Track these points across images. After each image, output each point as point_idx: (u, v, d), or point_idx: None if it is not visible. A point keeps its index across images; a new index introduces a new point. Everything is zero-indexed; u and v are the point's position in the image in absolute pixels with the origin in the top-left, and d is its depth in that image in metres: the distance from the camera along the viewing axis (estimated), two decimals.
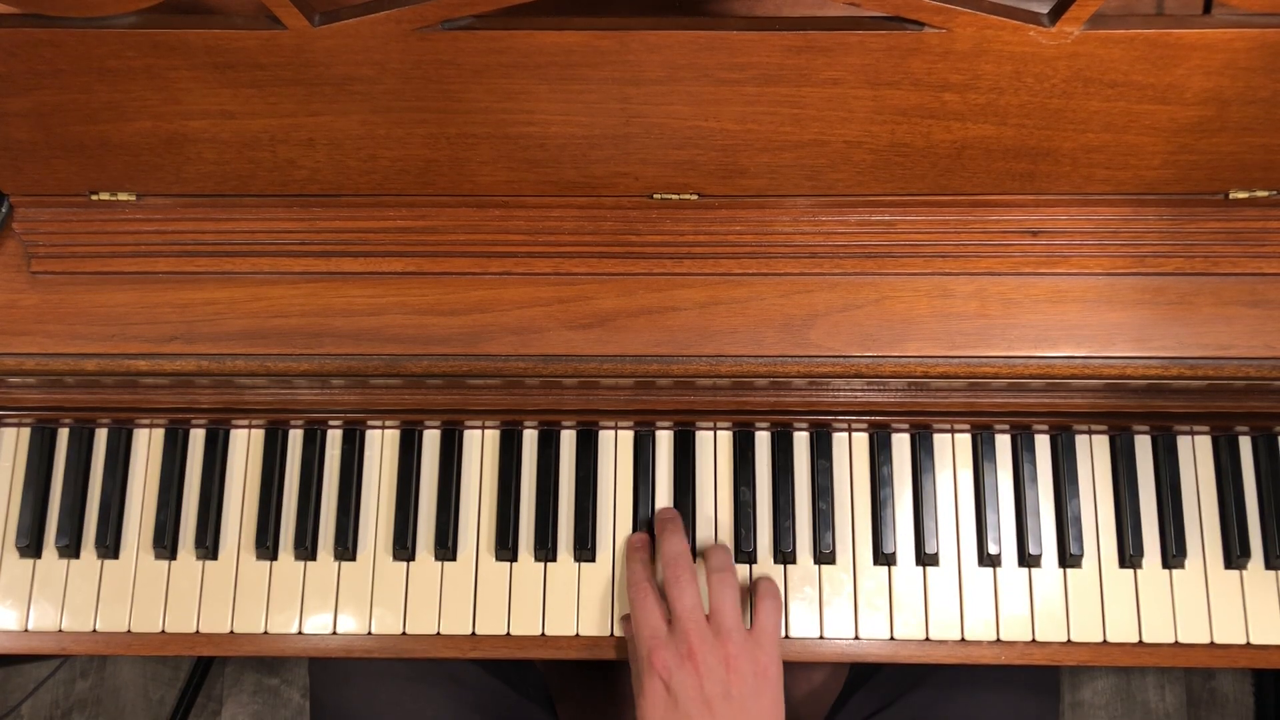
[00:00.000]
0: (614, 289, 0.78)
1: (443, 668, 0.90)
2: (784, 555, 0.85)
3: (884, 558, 0.85)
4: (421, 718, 0.89)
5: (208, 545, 0.86)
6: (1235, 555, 0.85)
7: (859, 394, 0.83)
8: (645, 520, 0.86)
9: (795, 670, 1.03)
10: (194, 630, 0.86)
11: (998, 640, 0.84)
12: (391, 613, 0.85)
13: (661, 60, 0.64)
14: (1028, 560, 0.85)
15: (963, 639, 0.84)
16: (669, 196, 0.76)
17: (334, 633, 0.85)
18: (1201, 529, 0.86)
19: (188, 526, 0.87)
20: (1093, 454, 0.87)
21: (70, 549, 0.87)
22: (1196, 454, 0.87)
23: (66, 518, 0.87)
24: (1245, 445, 0.87)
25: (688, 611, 0.77)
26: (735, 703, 0.74)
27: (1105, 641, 0.84)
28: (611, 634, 0.85)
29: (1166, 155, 0.71)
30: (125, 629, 0.86)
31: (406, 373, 0.77)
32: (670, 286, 0.78)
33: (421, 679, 0.90)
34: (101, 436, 0.89)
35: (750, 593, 0.83)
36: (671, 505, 0.87)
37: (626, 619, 0.83)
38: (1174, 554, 0.85)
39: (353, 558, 0.87)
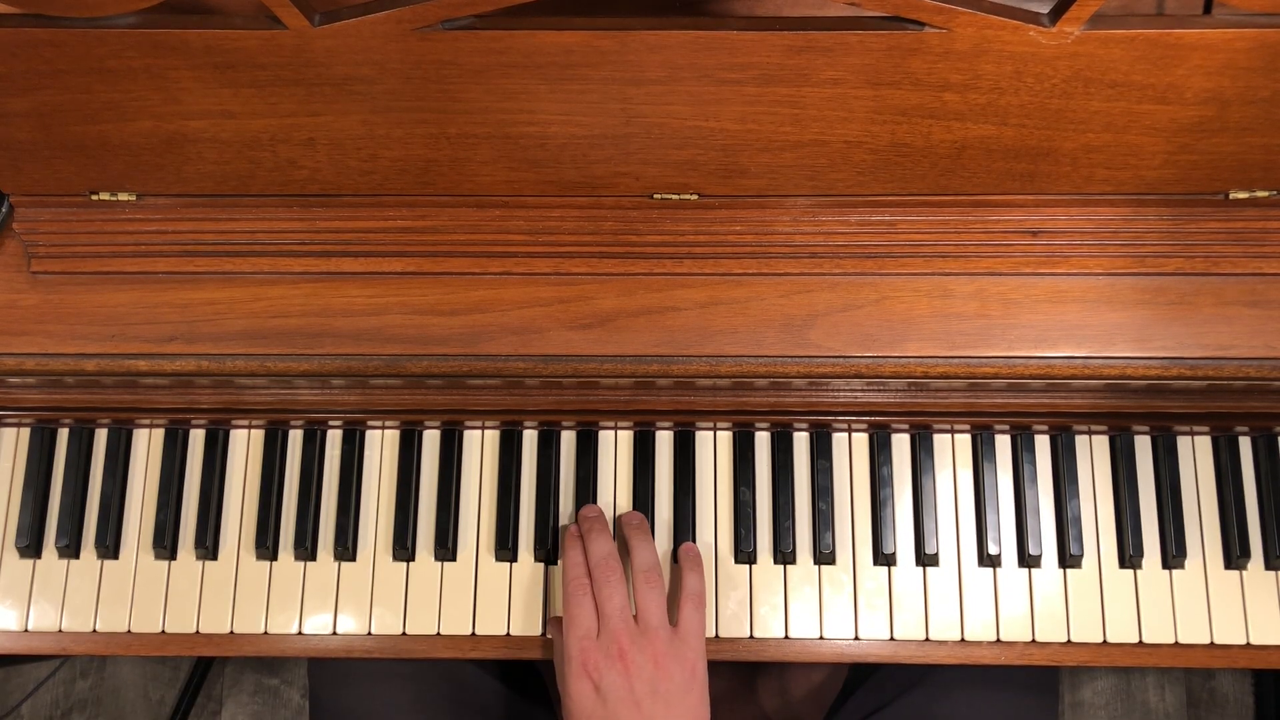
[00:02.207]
0: (614, 289, 0.78)
1: (442, 668, 0.90)
2: (784, 555, 0.85)
3: (884, 558, 0.85)
4: (421, 718, 0.89)
5: (208, 545, 0.86)
6: (1235, 555, 0.85)
7: (859, 394, 0.83)
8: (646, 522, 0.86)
9: (795, 670, 1.03)
10: (194, 630, 0.86)
11: (998, 640, 0.84)
12: (391, 613, 0.85)
13: (661, 60, 0.64)
14: (1028, 560, 0.85)
15: (963, 639, 0.84)
16: (669, 196, 0.76)
17: (334, 633, 0.85)
18: (1201, 529, 0.86)
19: (188, 526, 0.87)
20: (1093, 454, 0.87)
21: (70, 549, 0.87)
22: (1196, 454, 0.87)
23: (66, 518, 0.87)
24: (1245, 445, 0.87)
25: (617, 612, 0.77)
26: (662, 699, 0.74)
27: (1105, 642, 0.84)
28: None
29: (1167, 155, 0.71)
30: (125, 629, 0.86)
31: (406, 373, 0.77)
32: (670, 286, 0.78)
33: (421, 679, 0.90)
34: (101, 436, 0.89)
35: (676, 591, 0.83)
36: (672, 505, 0.86)
37: (555, 621, 0.82)
38: (1174, 554, 0.85)
39: (353, 558, 0.87)
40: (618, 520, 0.86)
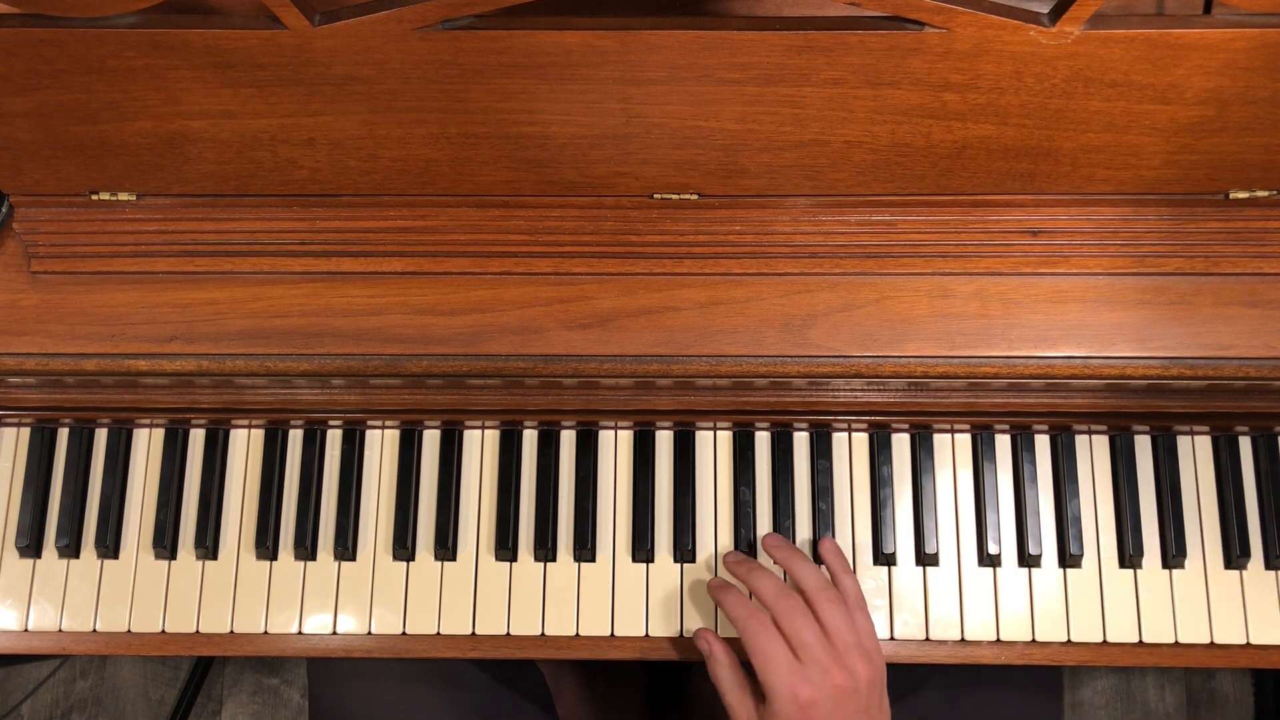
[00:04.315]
0: (614, 289, 0.78)
1: (441, 668, 0.90)
2: None
3: (884, 558, 0.85)
4: (420, 718, 0.89)
5: (208, 545, 0.86)
6: (1235, 555, 0.85)
7: (859, 394, 0.83)
8: (646, 521, 0.86)
9: None
10: (194, 630, 0.86)
11: (998, 640, 0.84)
12: (391, 613, 0.85)
13: (662, 60, 0.64)
14: (1028, 560, 0.85)
15: (963, 639, 0.84)
16: (669, 196, 0.76)
17: (334, 633, 0.85)
18: (1201, 529, 0.86)
19: (188, 526, 0.87)
20: (1093, 454, 0.87)
21: (70, 549, 0.87)
22: (1196, 454, 0.87)
23: (66, 518, 0.87)
24: (1245, 445, 0.87)
25: (815, 641, 0.74)
26: (870, 716, 0.74)
27: (1105, 641, 0.84)
28: (611, 634, 0.85)
29: (1167, 155, 0.71)
30: (125, 629, 0.86)
31: (406, 373, 0.77)
32: (670, 286, 0.78)
33: (420, 679, 0.90)
34: (101, 436, 0.89)
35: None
36: (672, 505, 0.86)
37: (723, 664, 0.78)
38: (1174, 554, 0.85)
39: (353, 558, 0.87)
40: (761, 545, 0.84)
